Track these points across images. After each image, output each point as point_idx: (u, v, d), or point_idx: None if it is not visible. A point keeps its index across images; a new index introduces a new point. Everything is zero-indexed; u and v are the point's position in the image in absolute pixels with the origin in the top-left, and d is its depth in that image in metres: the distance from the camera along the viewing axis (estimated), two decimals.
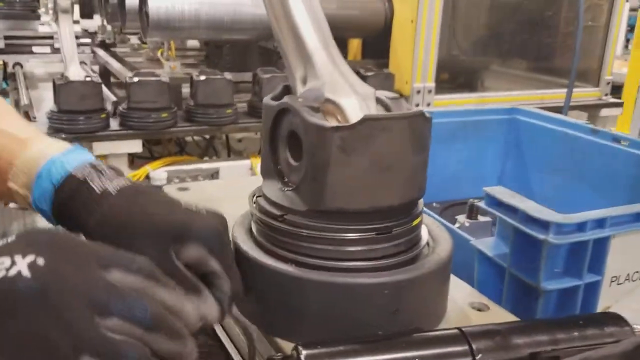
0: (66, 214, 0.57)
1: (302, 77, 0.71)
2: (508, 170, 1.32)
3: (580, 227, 0.72)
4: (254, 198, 0.74)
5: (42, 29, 3.34)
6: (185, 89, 2.29)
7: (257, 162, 2.27)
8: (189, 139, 3.19)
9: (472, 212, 1.00)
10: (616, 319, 0.64)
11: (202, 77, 2.09)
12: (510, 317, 0.74)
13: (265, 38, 2.33)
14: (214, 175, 2.20)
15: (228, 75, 2.13)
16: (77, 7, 2.95)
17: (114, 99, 2.18)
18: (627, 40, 5.87)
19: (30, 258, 0.38)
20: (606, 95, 2.91)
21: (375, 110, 0.68)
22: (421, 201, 0.72)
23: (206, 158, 2.72)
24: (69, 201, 0.56)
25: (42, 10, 3.83)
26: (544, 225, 0.71)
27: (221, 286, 0.56)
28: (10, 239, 0.40)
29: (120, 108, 2.03)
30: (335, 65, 0.69)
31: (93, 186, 0.56)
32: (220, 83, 2.10)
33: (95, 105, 1.96)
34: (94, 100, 1.95)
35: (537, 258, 0.73)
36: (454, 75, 2.70)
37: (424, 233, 0.74)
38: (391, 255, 0.68)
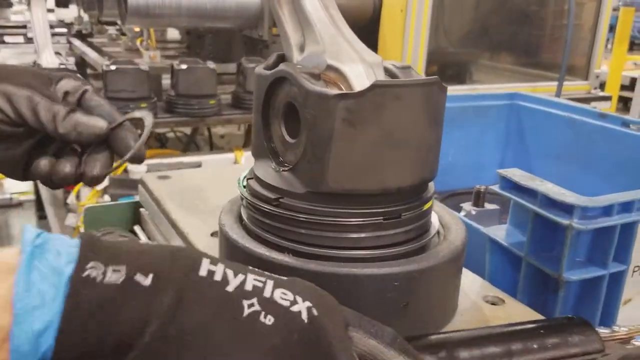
0: None
1: (299, 44, 0.63)
2: (509, 158, 1.26)
3: (607, 211, 0.65)
4: (245, 181, 0.66)
5: (15, 18, 3.20)
6: (166, 81, 2.19)
7: (241, 155, 2.18)
8: (170, 134, 3.09)
9: (479, 199, 0.93)
10: (581, 325, 0.55)
11: (184, 66, 1.99)
12: (528, 312, 0.67)
13: (249, 26, 2.24)
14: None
15: (211, 64, 2.04)
16: None
17: None
18: (607, 40, 5.93)
19: (307, 304, 0.41)
20: (595, 88, 2.88)
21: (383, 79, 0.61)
22: (432, 184, 0.65)
23: (188, 153, 2.63)
24: None
25: None
26: (567, 209, 0.64)
27: (99, 105, 0.64)
28: (278, 276, 0.44)
29: None
30: (338, 28, 0.62)
31: None
32: (203, 72, 2.01)
33: None
34: None
35: (558, 245, 0.66)
36: (443, 68, 2.65)
37: (435, 219, 0.67)
38: (400, 243, 0.60)
